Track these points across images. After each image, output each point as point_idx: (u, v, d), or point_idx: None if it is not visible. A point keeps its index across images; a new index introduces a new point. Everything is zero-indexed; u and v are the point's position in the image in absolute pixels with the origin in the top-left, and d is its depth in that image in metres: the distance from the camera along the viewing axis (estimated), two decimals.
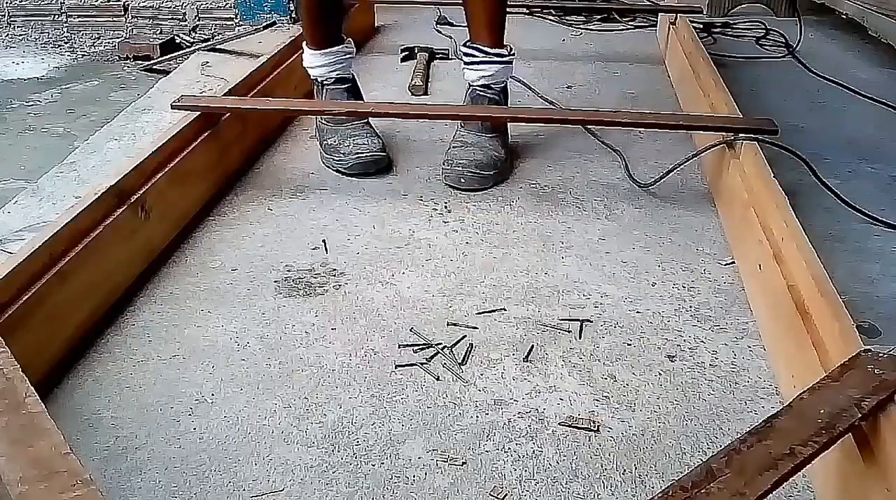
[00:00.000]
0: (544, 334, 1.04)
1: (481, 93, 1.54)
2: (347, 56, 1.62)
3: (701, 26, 2.57)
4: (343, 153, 1.49)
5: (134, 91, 2.48)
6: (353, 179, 1.48)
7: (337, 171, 1.50)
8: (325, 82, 1.60)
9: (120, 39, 3.05)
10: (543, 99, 1.82)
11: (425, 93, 1.95)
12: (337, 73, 1.60)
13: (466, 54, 1.54)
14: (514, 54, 1.55)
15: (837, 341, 0.81)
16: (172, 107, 1.41)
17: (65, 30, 3.13)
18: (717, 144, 1.38)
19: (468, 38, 1.55)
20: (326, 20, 1.59)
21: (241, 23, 2.97)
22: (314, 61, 1.60)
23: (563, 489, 0.79)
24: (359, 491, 0.78)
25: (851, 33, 2.55)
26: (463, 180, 1.42)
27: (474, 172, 1.42)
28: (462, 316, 1.07)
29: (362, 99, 1.65)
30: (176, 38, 3.03)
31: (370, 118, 1.55)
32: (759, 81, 2.11)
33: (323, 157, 1.53)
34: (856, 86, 2.02)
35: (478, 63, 1.52)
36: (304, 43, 1.62)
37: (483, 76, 1.52)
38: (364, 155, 1.47)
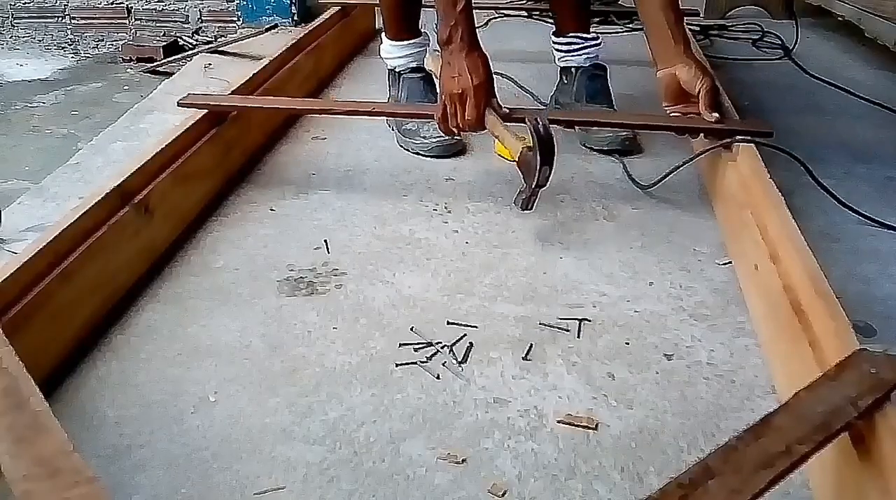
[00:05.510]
0: (543, 333, 1.04)
1: (596, 72, 1.69)
2: (424, 48, 1.73)
3: (698, 29, 2.58)
4: (423, 137, 1.58)
5: (137, 93, 2.49)
6: (354, 179, 1.50)
7: (416, 153, 1.59)
8: (402, 72, 1.71)
9: (123, 42, 3.06)
10: (540, 102, 1.83)
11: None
12: (415, 63, 1.72)
13: (567, 43, 1.69)
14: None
15: (834, 341, 0.82)
16: (179, 104, 1.43)
17: (68, 32, 3.14)
18: (714, 146, 1.39)
19: (556, 30, 1.72)
20: (408, 13, 1.71)
21: (243, 25, 2.98)
22: (394, 52, 1.72)
23: (562, 487, 0.80)
24: (360, 488, 0.79)
25: (847, 35, 2.56)
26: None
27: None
28: (462, 315, 1.08)
29: (435, 87, 1.67)
30: (179, 40, 3.04)
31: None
32: (756, 83, 2.12)
33: (401, 140, 1.63)
34: (851, 87, 2.02)
35: (581, 48, 1.69)
36: (381, 34, 1.75)
37: (589, 57, 1.69)
38: (445, 139, 1.56)
